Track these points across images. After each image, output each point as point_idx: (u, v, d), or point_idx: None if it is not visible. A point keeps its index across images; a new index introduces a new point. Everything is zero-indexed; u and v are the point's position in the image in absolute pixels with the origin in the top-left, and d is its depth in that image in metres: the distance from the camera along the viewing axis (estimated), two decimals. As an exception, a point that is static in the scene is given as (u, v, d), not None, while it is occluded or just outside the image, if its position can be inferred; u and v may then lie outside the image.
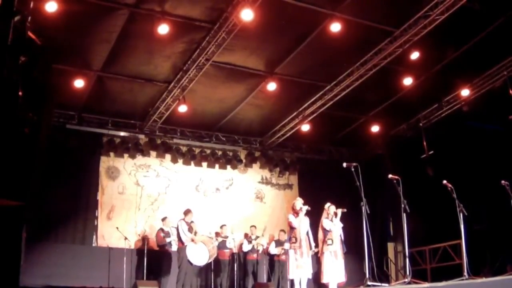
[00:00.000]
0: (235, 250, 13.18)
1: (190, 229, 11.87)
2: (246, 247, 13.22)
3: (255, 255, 13.14)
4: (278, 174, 15.61)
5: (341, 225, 10.32)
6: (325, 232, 10.16)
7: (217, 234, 13.09)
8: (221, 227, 13.22)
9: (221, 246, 12.76)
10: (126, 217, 13.28)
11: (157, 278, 12.02)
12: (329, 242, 10.02)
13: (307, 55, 11.35)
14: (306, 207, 10.25)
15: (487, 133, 12.89)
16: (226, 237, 12.88)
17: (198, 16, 10.05)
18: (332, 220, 10.17)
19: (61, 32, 9.49)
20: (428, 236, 13.88)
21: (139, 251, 12.57)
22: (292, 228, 10.22)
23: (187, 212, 12.12)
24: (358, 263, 10.66)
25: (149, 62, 11.30)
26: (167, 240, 12.23)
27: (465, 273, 8.46)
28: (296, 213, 10.28)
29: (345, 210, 10.27)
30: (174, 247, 12.24)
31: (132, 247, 12.75)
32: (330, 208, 10.28)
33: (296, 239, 10.08)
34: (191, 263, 11.69)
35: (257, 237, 13.47)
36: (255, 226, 13.63)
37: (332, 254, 10.01)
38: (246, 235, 13.47)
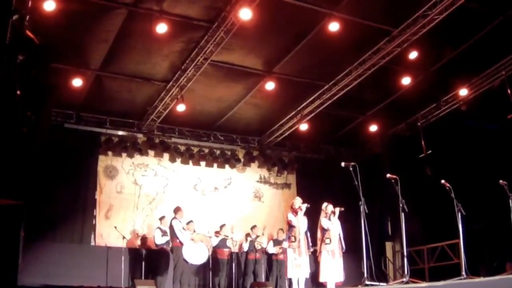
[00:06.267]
0: (233, 250, 13.17)
1: (184, 227, 11.88)
2: (246, 246, 13.23)
3: (254, 254, 13.14)
4: (276, 174, 15.60)
5: (340, 224, 10.31)
6: (324, 231, 10.15)
7: (217, 233, 13.09)
8: (221, 226, 13.21)
9: (221, 245, 12.76)
10: (124, 216, 13.26)
11: (155, 277, 12.00)
12: (327, 241, 10.01)
13: (306, 55, 11.34)
14: (305, 205, 10.26)
15: (485, 133, 12.88)
16: (227, 236, 12.88)
17: (196, 15, 10.04)
18: (330, 219, 10.17)
19: (59, 31, 9.46)
20: (426, 236, 13.89)
21: (137, 250, 12.58)
22: (291, 227, 10.22)
23: (177, 210, 12.13)
24: (356, 262, 10.64)
25: (147, 61, 11.29)
26: (165, 239, 12.21)
27: (463, 273, 8.49)
28: (295, 212, 10.29)
29: (342, 208, 10.28)
30: (172, 246, 12.24)
31: (130, 246, 12.74)
32: (327, 207, 10.28)
33: (295, 238, 10.08)
34: (186, 262, 11.69)
35: (257, 236, 13.47)
36: (256, 226, 13.63)
37: (330, 254, 10.00)
38: (247, 235, 13.46)
